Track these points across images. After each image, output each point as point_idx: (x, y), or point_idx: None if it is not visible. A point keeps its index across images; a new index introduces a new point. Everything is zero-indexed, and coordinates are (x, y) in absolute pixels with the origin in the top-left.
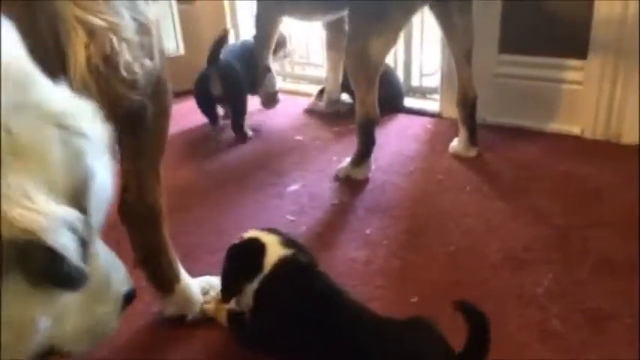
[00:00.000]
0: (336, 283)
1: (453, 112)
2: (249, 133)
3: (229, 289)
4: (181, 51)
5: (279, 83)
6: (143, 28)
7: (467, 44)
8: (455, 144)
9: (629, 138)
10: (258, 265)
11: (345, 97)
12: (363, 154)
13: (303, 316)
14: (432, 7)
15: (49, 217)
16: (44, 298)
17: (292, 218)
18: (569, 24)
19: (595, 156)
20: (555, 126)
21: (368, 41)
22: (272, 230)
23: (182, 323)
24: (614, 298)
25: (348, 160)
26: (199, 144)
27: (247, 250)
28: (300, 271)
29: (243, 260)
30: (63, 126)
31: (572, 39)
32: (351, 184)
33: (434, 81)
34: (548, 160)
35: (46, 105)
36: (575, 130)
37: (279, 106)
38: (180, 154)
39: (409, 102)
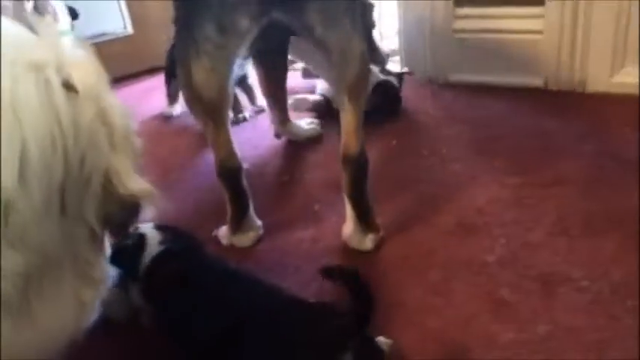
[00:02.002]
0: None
1: (415, 72)
2: None
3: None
4: (129, 30)
5: None
6: None
7: (347, 72)
8: (345, 229)
9: (594, 86)
10: (138, 263)
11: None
12: (237, 215)
13: (192, 308)
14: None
15: None
16: None
17: None
18: None
19: (559, 108)
20: (518, 79)
21: (190, 67)
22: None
23: None
24: (568, 261)
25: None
26: (154, 128)
27: (128, 248)
28: (177, 267)
29: (124, 259)
30: None
31: None
32: (302, 159)
33: (393, 43)
34: (510, 116)
35: None
36: (538, 82)
37: None
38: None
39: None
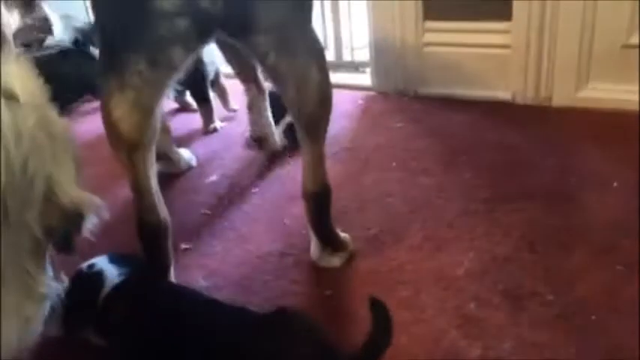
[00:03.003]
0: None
1: (384, 85)
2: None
3: (69, 322)
4: None
5: None
6: None
7: (303, 105)
8: (312, 249)
9: (559, 100)
10: (94, 298)
11: None
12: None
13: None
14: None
15: None
16: None
17: (207, 212)
18: None
19: (526, 123)
20: (486, 93)
21: (111, 100)
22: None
23: None
24: (534, 275)
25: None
26: None
27: (84, 283)
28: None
29: (80, 294)
30: None
31: (496, 0)
32: (273, 171)
33: (365, 54)
34: (478, 130)
35: None
36: (506, 96)
37: None
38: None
39: (342, 78)
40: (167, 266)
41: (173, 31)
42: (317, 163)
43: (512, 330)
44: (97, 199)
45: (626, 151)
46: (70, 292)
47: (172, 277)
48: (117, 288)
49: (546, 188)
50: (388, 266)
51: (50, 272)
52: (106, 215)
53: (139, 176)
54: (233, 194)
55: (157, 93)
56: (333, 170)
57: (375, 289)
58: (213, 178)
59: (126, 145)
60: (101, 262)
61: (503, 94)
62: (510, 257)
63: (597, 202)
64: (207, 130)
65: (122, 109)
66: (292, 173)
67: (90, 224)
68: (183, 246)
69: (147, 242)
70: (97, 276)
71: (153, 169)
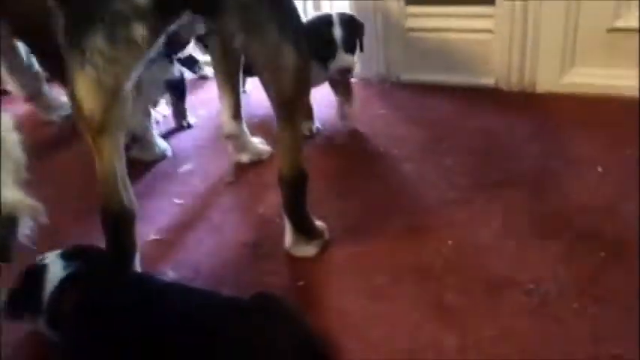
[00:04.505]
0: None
1: (366, 71)
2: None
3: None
4: None
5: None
6: None
7: (278, 88)
8: (287, 238)
9: (543, 86)
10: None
11: None
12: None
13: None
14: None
15: None
16: None
17: (180, 202)
18: None
19: (509, 108)
20: (469, 79)
21: (73, 78)
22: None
23: None
24: (515, 263)
25: None
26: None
27: (31, 277)
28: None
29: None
30: None
31: None
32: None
33: None
34: (461, 116)
35: None
36: (489, 81)
37: None
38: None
39: None
40: (131, 255)
41: (132, 7)
42: (293, 147)
43: (492, 319)
44: (33, 202)
45: (610, 136)
46: (17, 286)
47: (138, 267)
48: (64, 281)
49: (529, 175)
50: (365, 255)
51: None
52: (45, 219)
53: (104, 161)
54: (207, 184)
55: (122, 74)
56: (312, 157)
57: (351, 279)
58: (188, 167)
59: (90, 127)
60: (52, 256)
61: (486, 80)
62: (490, 245)
63: (581, 187)
64: (182, 125)
65: (85, 89)
66: (266, 163)
67: (26, 229)
68: (153, 237)
69: (109, 230)
70: (42, 270)
71: (119, 155)
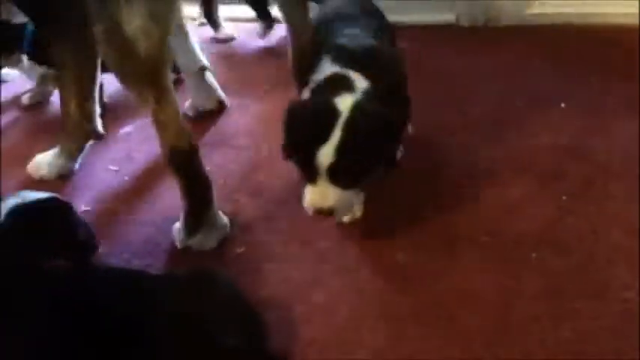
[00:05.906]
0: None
1: None
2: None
3: None
4: None
5: None
6: None
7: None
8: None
9: (508, 19)
10: None
11: None
12: (196, 211)
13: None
14: None
15: None
16: None
17: (115, 168)
18: None
19: (470, 46)
20: (428, 17)
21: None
22: None
23: None
24: (470, 214)
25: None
26: None
27: None
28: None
29: None
30: None
31: None
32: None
33: None
34: (419, 56)
35: None
36: (450, 18)
37: None
38: None
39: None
40: (210, 188)
41: None
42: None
43: (445, 278)
44: None
45: (575, 68)
46: None
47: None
48: None
49: (489, 116)
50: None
51: None
52: None
53: (169, 99)
54: (144, 149)
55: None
56: (264, 111)
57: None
58: (128, 129)
59: (147, 68)
60: None
61: (446, 17)
62: (443, 194)
63: (543, 126)
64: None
65: (137, 25)
66: (216, 118)
67: None
68: (84, 208)
69: (180, 171)
70: None
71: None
